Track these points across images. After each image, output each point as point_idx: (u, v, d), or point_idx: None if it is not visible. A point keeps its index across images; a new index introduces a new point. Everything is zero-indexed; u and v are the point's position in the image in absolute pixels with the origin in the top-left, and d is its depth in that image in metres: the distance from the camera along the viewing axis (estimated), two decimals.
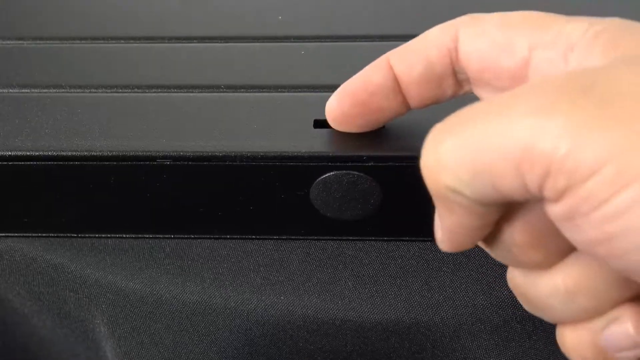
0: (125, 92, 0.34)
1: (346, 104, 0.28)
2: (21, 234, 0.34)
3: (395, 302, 0.33)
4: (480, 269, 0.33)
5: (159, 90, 0.34)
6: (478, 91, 0.26)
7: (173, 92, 0.34)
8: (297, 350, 0.32)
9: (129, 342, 0.33)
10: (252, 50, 0.36)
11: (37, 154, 0.31)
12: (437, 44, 0.26)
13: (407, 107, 0.28)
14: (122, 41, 0.37)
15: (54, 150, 0.31)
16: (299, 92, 0.33)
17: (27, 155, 0.31)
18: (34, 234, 0.34)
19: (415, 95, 0.27)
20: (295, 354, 0.32)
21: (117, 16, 0.40)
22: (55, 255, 0.34)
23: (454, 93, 0.27)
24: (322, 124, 0.31)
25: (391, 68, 0.27)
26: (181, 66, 0.35)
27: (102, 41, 0.37)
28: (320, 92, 0.33)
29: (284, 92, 0.33)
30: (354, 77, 0.28)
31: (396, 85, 0.27)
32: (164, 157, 0.31)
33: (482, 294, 0.33)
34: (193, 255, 0.34)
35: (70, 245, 0.34)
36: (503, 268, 0.33)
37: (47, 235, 0.34)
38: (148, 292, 0.33)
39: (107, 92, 0.34)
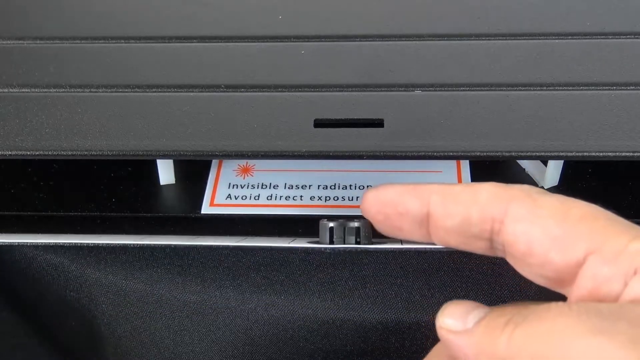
0: (125, 92, 0.34)
1: (375, 206, 0.27)
2: (21, 234, 0.34)
3: (395, 302, 0.33)
4: (480, 268, 0.33)
5: (159, 90, 0.34)
6: (513, 262, 0.25)
7: (173, 92, 0.34)
8: (297, 350, 0.32)
9: (129, 342, 0.33)
10: (252, 50, 0.36)
11: (37, 153, 0.31)
12: (483, 208, 0.25)
13: (428, 239, 0.27)
14: (122, 41, 0.37)
15: (54, 150, 0.31)
16: (299, 91, 0.33)
17: (27, 155, 0.31)
18: (34, 234, 0.34)
19: (441, 238, 0.26)
20: (296, 353, 0.32)
21: (117, 16, 0.40)
22: (55, 255, 0.34)
23: (482, 253, 0.26)
24: (322, 123, 0.31)
25: (429, 204, 0.26)
26: (181, 66, 0.35)
27: (102, 41, 0.37)
28: (320, 91, 0.33)
29: (284, 91, 0.33)
30: (397, 187, 0.27)
31: (426, 220, 0.26)
32: (164, 157, 0.31)
33: (482, 294, 0.33)
34: (193, 255, 0.34)
35: (70, 245, 0.34)
36: (503, 268, 0.33)
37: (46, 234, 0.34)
38: (148, 291, 0.33)
39: (107, 92, 0.34)
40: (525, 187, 0.25)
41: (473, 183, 0.26)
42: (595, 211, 0.24)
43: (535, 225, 0.24)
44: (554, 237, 0.23)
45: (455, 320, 0.24)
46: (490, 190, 0.25)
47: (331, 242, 0.29)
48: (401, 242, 0.30)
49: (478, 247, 0.26)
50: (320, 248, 0.30)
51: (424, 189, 0.26)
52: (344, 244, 0.29)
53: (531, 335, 0.21)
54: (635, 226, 0.23)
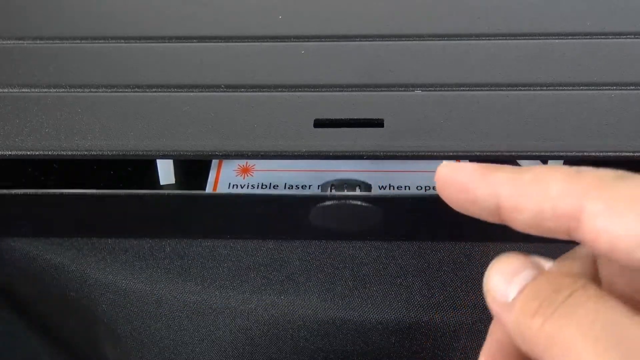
0: (125, 92, 0.34)
1: (448, 187, 0.25)
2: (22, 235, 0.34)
3: (395, 302, 0.33)
4: (480, 268, 0.33)
5: (159, 90, 0.34)
6: (596, 254, 0.23)
7: (173, 92, 0.34)
8: (297, 350, 0.32)
9: (129, 342, 0.33)
10: (252, 50, 0.36)
11: (37, 153, 0.31)
12: (555, 204, 0.22)
13: (507, 224, 0.25)
14: (122, 41, 0.37)
15: (54, 150, 0.31)
16: (299, 91, 0.33)
17: (27, 155, 0.31)
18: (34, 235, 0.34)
19: (518, 228, 0.24)
20: (296, 353, 0.32)
21: (117, 16, 0.40)
22: (55, 255, 0.34)
23: (565, 239, 0.24)
24: (322, 123, 0.31)
25: (499, 196, 0.23)
26: (181, 66, 0.35)
27: (102, 41, 0.37)
28: (320, 91, 0.33)
29: (284, 91, 0.33)
30: (469, 168, 0.24)
31: (498, 209, 0.24)
32: (164, 157, 0.31)
33: (482, 294, 0.33)
34: (193, 255, 0.34)
35: (70, 245, 0.34)
36: None
37: (47, 235, 0.34)
38: (148, 291, 0.33)
39: (107, 92, 0.34)
40: (600, 172, 0.22)
41: (542, 171, 0.23)
42: None
43: (614, 221, 0.21)
44: (637, 234, 0.21)
45: (501, 285, 0.23)
46: (560, 182, 0.23)
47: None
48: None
49: (558, 236, 0.23)
50: (322, 195, 0.30)
51: (494, 177, 0.24)
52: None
53: (557, 338, 0.20)
54: None
